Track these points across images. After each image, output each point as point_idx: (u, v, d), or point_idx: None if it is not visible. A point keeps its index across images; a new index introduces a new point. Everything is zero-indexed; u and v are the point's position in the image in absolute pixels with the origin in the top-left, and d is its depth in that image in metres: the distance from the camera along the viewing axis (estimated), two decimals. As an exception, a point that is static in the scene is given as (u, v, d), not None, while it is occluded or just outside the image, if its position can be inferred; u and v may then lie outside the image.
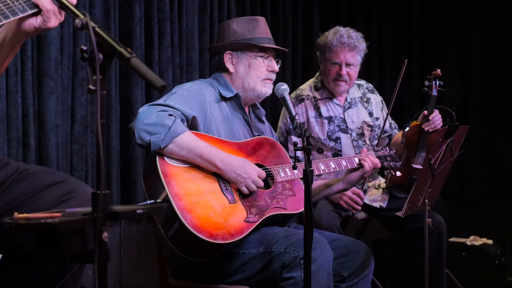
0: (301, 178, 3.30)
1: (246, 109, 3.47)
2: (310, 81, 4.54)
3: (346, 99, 4.46)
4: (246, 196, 3.13)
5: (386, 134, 4.53)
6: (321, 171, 3.46)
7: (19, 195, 2.40)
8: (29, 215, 1.81)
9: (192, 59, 4.95)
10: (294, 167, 3.17)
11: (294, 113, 3.09)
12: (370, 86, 4.65)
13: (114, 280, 4.32)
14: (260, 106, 3.57)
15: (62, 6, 2.19)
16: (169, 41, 4.74)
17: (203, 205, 3.00)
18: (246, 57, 3.39)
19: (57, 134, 4.01)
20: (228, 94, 3.36)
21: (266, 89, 3.42)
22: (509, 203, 6.37)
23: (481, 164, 6.55)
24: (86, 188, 2.46)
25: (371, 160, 3.55)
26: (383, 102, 4.62)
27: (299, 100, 4.40)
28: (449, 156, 3.75)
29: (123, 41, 4.38)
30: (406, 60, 4.26)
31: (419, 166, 4.19)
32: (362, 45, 4.37)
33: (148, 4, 4.63)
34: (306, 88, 4.48)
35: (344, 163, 3.53)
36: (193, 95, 3.23)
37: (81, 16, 1.95)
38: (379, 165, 3.60)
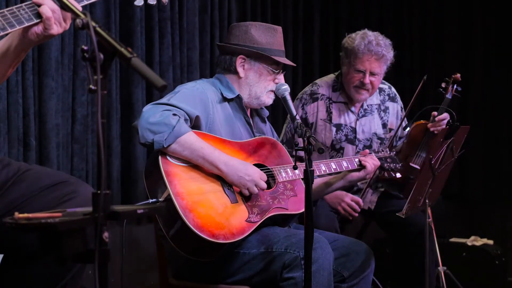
0: (302, 179, 3.30)
1: (248, 111, 3.46)
2: (330, 78, 4.38)
3: (362, 106, 4.32)
4: (247, 196, 3.13)
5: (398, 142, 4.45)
6: (322, 172, 3.45)
7: (20, 195, 2.40)
8: (30, 215, 1.81)
9: (192, 59, 4.95)
10: (295, 167, 3.17)
11: (294, 113, 3.10)
12: (393, 92, 4.47)
13: (114, 280, 4.32)
14: (264, 107, 3.56)
15: (63, 6, 2.19)
16: (170, 41, 4.74)
17: (205, 205, 3.00)
18: (259, 66, 3.38)
19: (57, 134, 4.01)
20: (229, 95, 3.35)
21: (269, 100, 3.42)
22: (509, 203, 6.38)
23: (482, 165, 6.55)
24: (87, 188, 2.46)
25: (372, 161, 3.54)
26: (403, 110, 4.44)
27: (313, 98, 4.27)
28: (450, 156, 3.76)
29: (123, 41, 4.38)
30: (425, 77, 4.12)
31: (417, 166, 4.17)
32: (390, 54, 4.18)
33: (148, 4, 4.62)
34: (323, 86, 4.32)
35: (345, 164, 3.53)
36: (196, 94, 3.23)
37: (82, 15, 1.95)
38: (379, 164, 3.60)
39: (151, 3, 2.69)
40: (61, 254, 1.82)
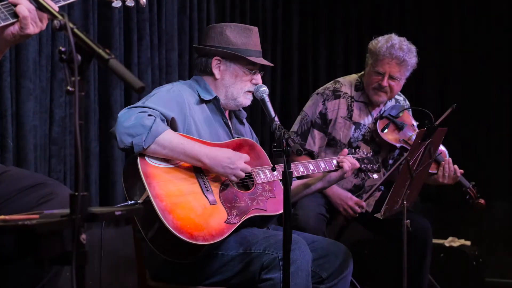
0: (280, 180, 3.31)
1: (226, 112, 3.46)
2: (353, 78, 4.43)
3: (380, 111, 4.38)
4: (226, 198, 3.13)
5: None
6: (300, 173, 3.46)
7: (-2, 197, 2.39)
8: (6, 217, 1.81)
9: (171, 60, 4.94)
10: (274, 169, 3.18)
11: (273, 115, 3.08)
12: (407, 105, 4.54)
13: (92, 282, 4.30)
14: (241, 108, 3.56)
15: (40, 7, 2.18)
16: (149, 42, 4.73)
17: (184, 206, 3.00)
18: (234, 67, 3.37)
19: (35, 135, 3.98)
20: (207, 97, 3.35)
21: (247, 101, 3.42)
22: (486, 204, 6.41)
23: (459, 166, 6.57)
24: (64, 190, 2.45)
25: (349, 161, 3.55)
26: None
27: (336, 95, 4.33)
28: (428, 158, 3.77)
29: (102, 42, 4.35)
30: (454, 105, 4.07)
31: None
32: (412, 60, 4.22)
33: (127, 5, 4.60)
34: (346, 84, 4.38)
35: (322, 165, 3.54)
36: (172, 96, 3.22)
37: (60, 17, 1.94)
38: (357, 165, 3.61)
39: (129, 4, 2.68)
40: (38, 256, 1.81)
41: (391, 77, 4.18)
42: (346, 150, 3.72)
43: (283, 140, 2.87)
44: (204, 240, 2.95)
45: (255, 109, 5.55)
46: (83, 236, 1.79)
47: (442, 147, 4.28)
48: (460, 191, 5.14)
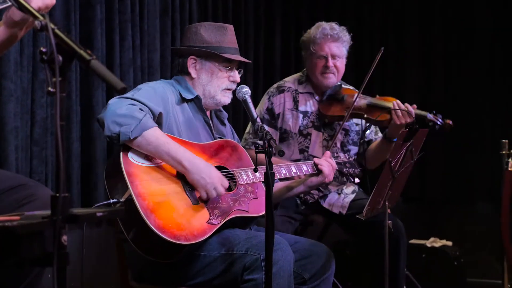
0: (262, 182, 3.31)
1: (208, 112, 3.46)
2: (296, 75, 4.57)
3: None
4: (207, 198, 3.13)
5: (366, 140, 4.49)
6: (283, 175, 3.47)
7: (-22, 198, 2.38)
8: (-13, 218, 1.80)
9: (153, 61, 4.93)
10: (256, 170, 3.18)
11: (255, 116, 3.10)
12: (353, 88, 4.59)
13: (74, 284, 4.28)
14: (222, 109, 3.57)
15: (21, 7, 2.17)
16: (131, 43, 4.72)
17: (167, 206, 2.99)
18: (210, 65, 3.38)
19: (16, 136, 3.96)
20: (188, 96, 3.35)
21: (225, 99, 3.42)
22: (468, 205, 6.46)
23: (441, 167, 6.62)
24: (45, 191, 2.44)
25: (328, 162, 3.55)
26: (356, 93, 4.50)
27: (280, 91, 4.44)
28: (409, 159, 3.79)
29: (84, 43, 4.34)
30: (382, 48, 4.17)
31: None
32: (346, 36, 4.36)
33: (109, 6, 4.60)
34: (289, 81, 4.51)
35: (305, 168, 3.55)
36: (158, 92, 3.23)
37: (41, 17, 1.93)
38: (335, 166, 3.61)
39: None
40: (19, 257, 1.80)
41: (333, 57, 4.32)
42: (328, 152, 3.70)
43: (265, 141, 2.88)
44: (186, 239, 2.95)
45: (238, 110, 5.55)
46: (64, 237, 1.78)
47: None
48: (446, 192, 5.23)
